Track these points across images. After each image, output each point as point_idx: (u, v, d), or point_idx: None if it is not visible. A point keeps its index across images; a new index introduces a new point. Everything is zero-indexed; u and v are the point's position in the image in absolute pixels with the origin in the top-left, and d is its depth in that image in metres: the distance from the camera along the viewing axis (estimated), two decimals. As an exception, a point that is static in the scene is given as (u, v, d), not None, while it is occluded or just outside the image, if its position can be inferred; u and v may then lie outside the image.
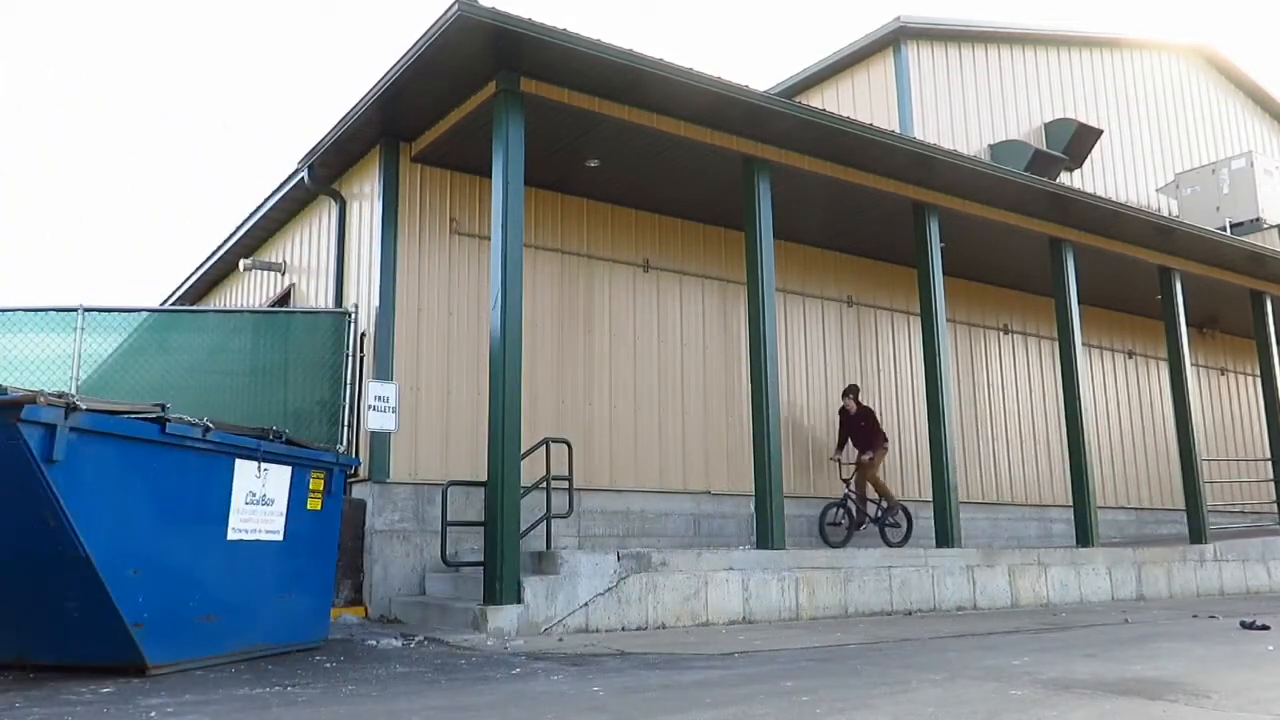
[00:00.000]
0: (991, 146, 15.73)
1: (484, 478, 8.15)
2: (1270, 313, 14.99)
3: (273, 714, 4.45)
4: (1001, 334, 14.60)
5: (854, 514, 11.67)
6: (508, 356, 7.99)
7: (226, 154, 63.36)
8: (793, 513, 10.91)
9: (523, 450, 8.14)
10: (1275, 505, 14.68)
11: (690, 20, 73.72)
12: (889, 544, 11.38)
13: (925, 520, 11.90)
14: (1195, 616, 9.35)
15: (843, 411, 12.14)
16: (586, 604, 7.90)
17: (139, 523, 5.54)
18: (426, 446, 9.47)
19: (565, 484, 9.07)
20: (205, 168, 62.80)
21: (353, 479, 9.03)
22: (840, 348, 12.76)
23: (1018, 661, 5.98)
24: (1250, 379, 17.74)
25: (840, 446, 12.07)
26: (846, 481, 11.86)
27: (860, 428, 11.93)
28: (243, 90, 67.34)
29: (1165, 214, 16.50)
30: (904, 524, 11.86)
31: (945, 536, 10.47)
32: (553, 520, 8.90)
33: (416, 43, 8.18)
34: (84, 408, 5.19)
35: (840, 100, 15.93)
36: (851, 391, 12.10)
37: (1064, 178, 16.17)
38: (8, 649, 5.71)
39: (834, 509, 11.53)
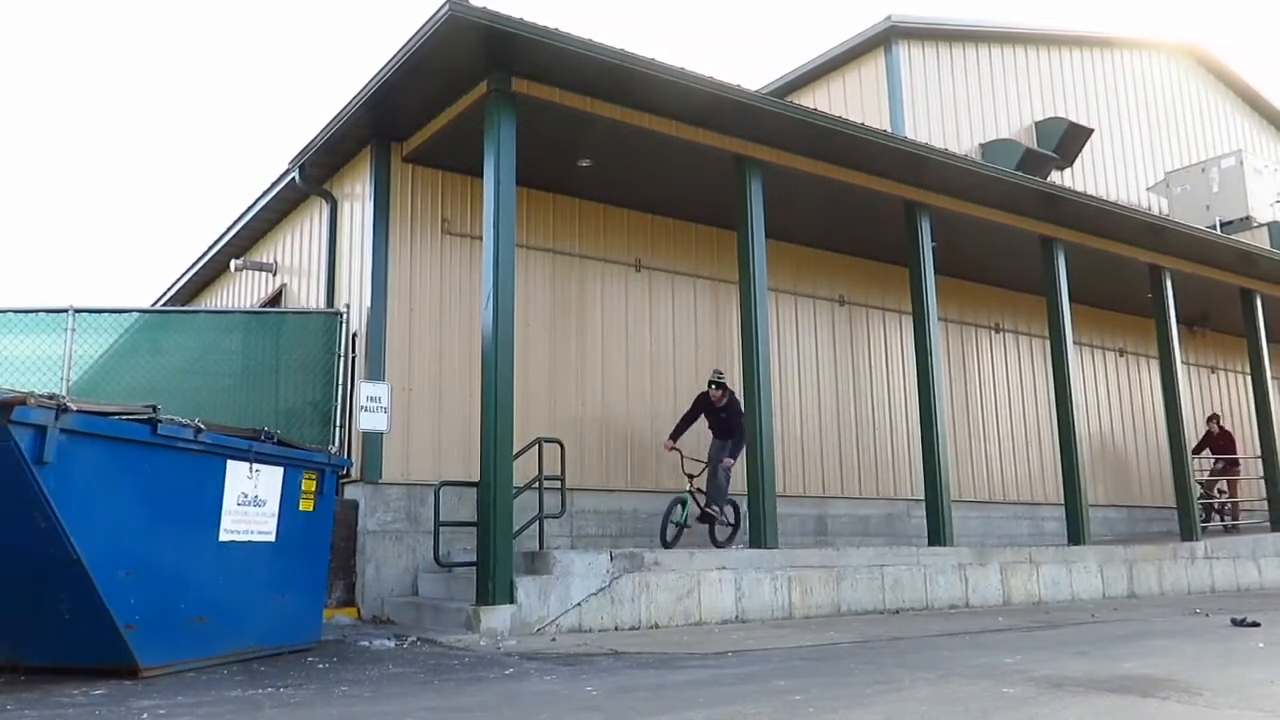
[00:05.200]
0: (982, 145, 15.76)
1: (476, 478, 8.14)
2: (1260, 311, 15.06)
3: (265, 715, 4.44)
4: (993, 333, 14.64)
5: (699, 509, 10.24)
6: (500, 356, 7.98)
7: (217, 154, 63.19)
8: (785, 511, 10.90)
9: (515, 450, 8.13)
10: (1265, 503, 14.73)
11: (682, 20, 73.76)
12: (716, 543, 10.13)
13: (918, 519, 11.93)
14: (1188, 614, 9.38)
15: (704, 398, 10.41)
16: (580, 604, 7.90)
17: (130, 524, 5.52)
18: (419, 447, 9.45)
19: (558, 484, 9.07)
20: (196, 167, 62.62)
21: (345, 479, 9.01)
22: (832, 347, 12.78)
23: (1010, 659, 6.00)
24: (1241, 377, 17.82)
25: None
26: (691, 476, 10.23)
27: (722, 418, 10.26)
28: (234, 89, 67.17)
29: (1156, 212, 16.54)
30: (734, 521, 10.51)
31: (937, 535, 10.50)
32: (545, 520, 8.90)
33: (407, 42, 8.16)
34: (75, 409, 5.18)
35: (832, 99, 15.95)
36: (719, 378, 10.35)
37: (1055, 176, 16.21)
38: (-1, 651, 5.69)
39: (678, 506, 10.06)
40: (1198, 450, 15.58)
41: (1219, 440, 15.76)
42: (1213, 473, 15.64)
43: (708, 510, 10.10)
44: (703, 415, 10.32)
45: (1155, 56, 19.58)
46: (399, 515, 9.23)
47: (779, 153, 10.09)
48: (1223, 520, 15.61)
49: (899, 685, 5.03)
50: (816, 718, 4.16)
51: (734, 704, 4.53)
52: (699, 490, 10.16)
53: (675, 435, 10.17)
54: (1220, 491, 15.79)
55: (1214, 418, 16.00)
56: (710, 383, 10.18)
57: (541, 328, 10.44)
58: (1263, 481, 14.83)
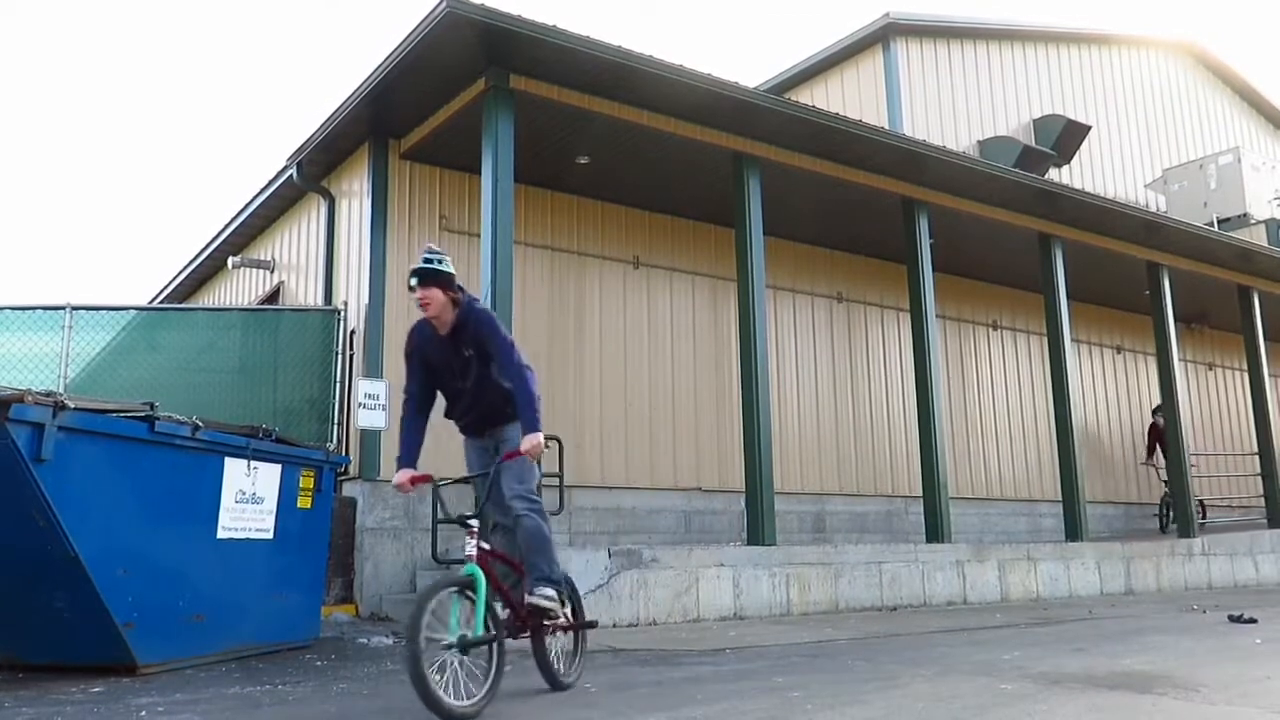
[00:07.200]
0: (980, 143, 15.76)
1: (475, 475, 8.12)
2: (1258, 308, 15.07)
3: (264, 713, 4.44)
4: (991, 330, 14.64)
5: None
6: (498, 354, 7.96)
7: (215, 151, 63.12)
8: (783, 509, 10.91)
9: (513, 447, 8.12)
10: (1263, 500, 14.75)
11: (680, 18, 73.71)
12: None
13: (916, 516, 11.93)
14: (1185, 610, 9.40)
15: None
16: (578, 601, 7.89)
17: (128, 522, 5.52)
18: (417, 444, 9.42)
19: (556, 481, 9.04)
20: (194, 165, 62.56)
21: (343, 477, 9.01)
22: (830, 344, 12.78)
23: (1008, 656, 6.01)
24: (1238, 374, 17.83)
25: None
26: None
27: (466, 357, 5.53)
28: (233, 87, 67.07)
29: (1153, 210, 16.55)
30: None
31: (935, 532, 10.50)
32: (544, 517, 8.88)
33: (405, 39, 8.16)
34: (72, 406, 5.17)
35: (830, 96, 15.94)
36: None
37: (1052, 174, 16.20)
38: (-4, 649, 5.69)
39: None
40: (1150, 449, 15.08)
41: (1166, 433, 14.65)
42: (1168, 470, 14.51)
43: (537, 600, 4.72)
44: (427, 373, 5.03)
45: (1153, 54, 19.58)
46: (397, 512, 9.23)
47: (777, 150, 10.09)
48: (1169, 521, 14.49)
49: (897, 682, 5.04)
50: (815, 714, 4.16)
51: (732, 701, 4.53)
52: (503, 560, 4.90)
53: (409, 459, 4.85)
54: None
55: (1160, 409, 14.83)
56: (416, 274, 4.85)
57: (539, 325, 10.43)
58: (1260, 479, 14.85)
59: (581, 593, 7.80)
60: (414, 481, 4.71)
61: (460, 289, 4.93)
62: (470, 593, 4.33)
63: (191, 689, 5.07)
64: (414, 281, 4.79)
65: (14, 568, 5.33)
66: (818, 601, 9.18)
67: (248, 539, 6.33)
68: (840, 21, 68.63)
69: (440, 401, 5.09)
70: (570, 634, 5.10)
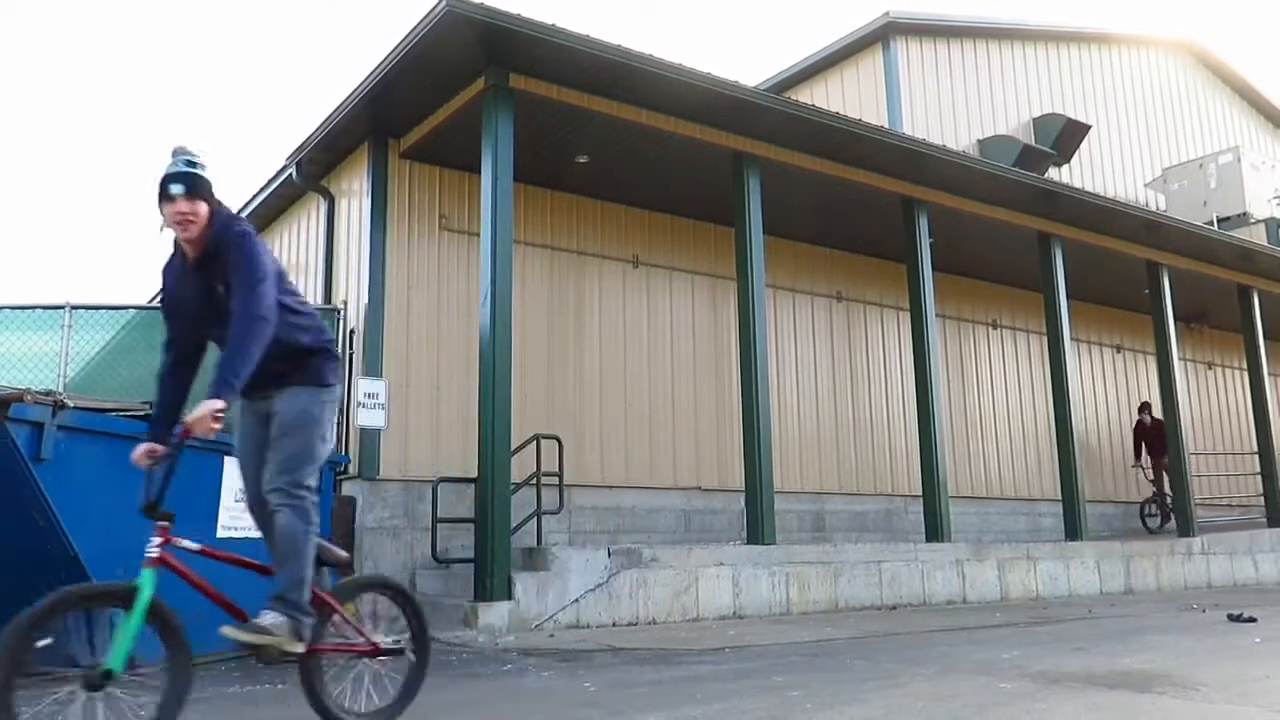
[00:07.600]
0: (980, 142, 15.75)
1: (474, 474, 8.14)
2: (1257, 307, 15.08)
3: (264, 712, 4.44)
4: (990, 329, 14.64)
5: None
6: (497, 353, 7.98)
7: (215, 150, 63.16)
8: (782, 508, 10.91)
9: (513, 446, 8.14)
10: (1262, 499, 14.75)
11: (680, 17, 73.72)
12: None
13: (915, 515, 11.93)
14: (1184, 610, 9.40)
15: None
16: (577, 600, 7.90)
17: (127, 521, 5.48)
18: (416, 443, 9.45)
19: (556, 480, 9.07)
20: (193, 164, 62.55)
21: (342, 476, 9.01)
22: (830, 343, 12.78)
23: (1007, 655, 6.00)
24: (1237, 373, 17.84)
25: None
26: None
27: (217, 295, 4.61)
28: (232, 86, 67.08)
29: (1153, 209, 16.54)
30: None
31: (935, 531, 10.50)
32: (543, 517, 8.91)
33: (405, 39, 8.16)
34: (71, 406, 5.18)
35: (830, 96, 15.93)
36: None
37: (1052, 173, 16.19)
38: (-4, 648, 5.68)
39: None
40: (1138, 447, 14.80)
41: (1152, 431, 14.65)
42: (1154, 468, 14.56)
43: (234, 632, 3.86)
44: (183, 318, 4.10)
45: (1153, 53, 19.58)
46: (396, 512, 9.23)
47: (777, 149, 10.09)
48: (1154, 522, 14.38)
49: (896, 681, 5.03)
50: (814, 714, 4.16)
51: (732, 700, 4.53)
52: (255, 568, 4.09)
53: (158, 428, 3.85)
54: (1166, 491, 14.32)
55: (1146, 406, 14.94)
56: (179, 180, 3.61)
57: (539, 324, 10.43)
58: (1259, 478, 14.86)
59: (581, 592, 7.86)
60: (150, 455, 3.61)
61: (220, 203, 3.68)
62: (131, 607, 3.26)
63: (191, 688, 5.06)
64: (178, 190, 3.53)
65: (14, 567, 5.33)
66: (817, 601, 9.18)
67: (248, 538, 6.32)
68: (840, 21, 68.62)
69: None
70: (385, 661, 4.01)
